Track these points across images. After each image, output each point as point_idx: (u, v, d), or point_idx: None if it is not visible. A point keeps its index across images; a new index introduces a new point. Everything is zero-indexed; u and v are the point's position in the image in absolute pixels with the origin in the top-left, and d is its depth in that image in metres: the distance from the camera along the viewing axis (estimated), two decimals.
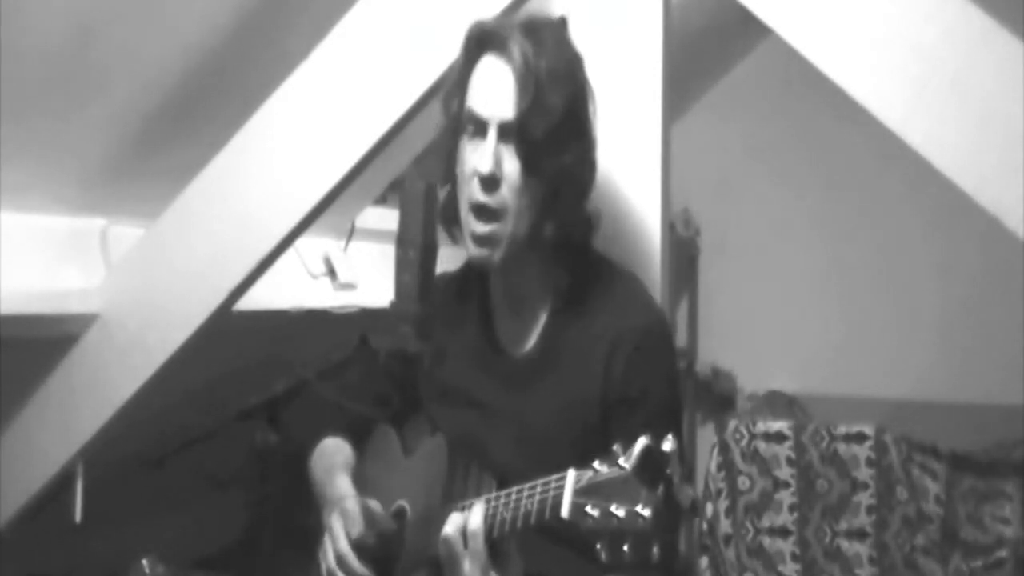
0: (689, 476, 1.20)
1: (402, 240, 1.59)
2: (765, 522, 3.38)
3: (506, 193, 1.44)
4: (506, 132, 1.43)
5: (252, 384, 1.70)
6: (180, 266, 1.92)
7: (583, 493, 1.19)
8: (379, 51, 1.80)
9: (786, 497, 3.38)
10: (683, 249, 4.07)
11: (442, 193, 1.57)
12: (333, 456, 1.68)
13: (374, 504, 1.52)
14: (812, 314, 4.07)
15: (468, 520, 1.35)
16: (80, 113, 1.79)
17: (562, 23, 1.50)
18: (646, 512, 1.13)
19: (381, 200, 2.91)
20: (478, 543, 1.33)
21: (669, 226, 1.86)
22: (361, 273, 2.77)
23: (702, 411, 4.10)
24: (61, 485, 2.03)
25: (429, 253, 1.60)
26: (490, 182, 1.43)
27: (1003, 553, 3.24)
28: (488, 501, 1.35)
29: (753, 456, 3.40)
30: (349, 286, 2.73)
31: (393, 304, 1.58)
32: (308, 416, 1.71)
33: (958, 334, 3.85)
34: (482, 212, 1.45)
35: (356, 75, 1.82)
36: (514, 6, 1.71)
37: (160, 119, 1.90)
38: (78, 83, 1.72)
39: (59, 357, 1.97)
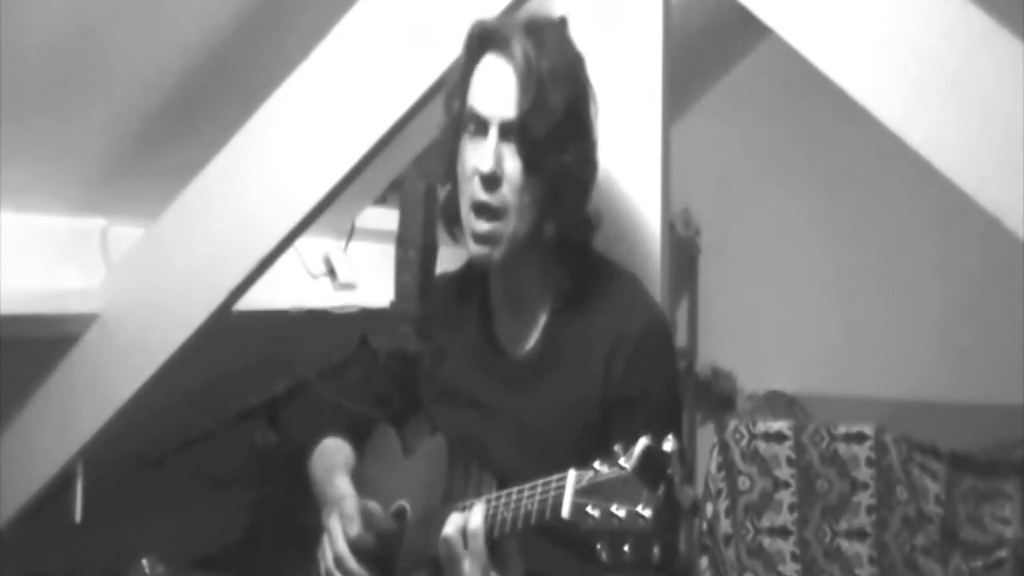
0: (689, 476, 1.20)
1: (402, 240, 1.59)
2: (765, 522, 3.38)
3: (507, 192, 1.44)
4: (507, 131, 1.43)
5: (252, 384, 1.70)
6: (180, 266, 1.92)
7: (584, 493, 1.19)
8: (379, 51, 1.80)
9: (786, 497, 3.38)
10: (683, 249, 4.07)
11: (443, 192, 1.57)
12: (333, 456, 1.68)
13: (373, 505, 1.52)
14: (812, 314, 4.07)
15: (468, 520, 1.35)
16: (80, 113, 1.79)
17: (563, 23, 1.50)
18: (647, 512, 1.13)
19: (381, 200, 2.91)
20: (478, 543, 1.33)
21: (669, 226, 1.85)
22: (361, 273, 2.77)
23: (702, 411, 4.10)
24: (61, 485, 2.03)
25: (429, 253, 1.60)
26: (491, 181, 1.43)
27: (1003, 553, 3.24)
28: (488, 501, 1.35)
29: (753, 456, 3.40)
30: (349, 286, 2.73)
31: (393, 304, 1.58)
32: (308, 416, 1.71)
33: (958, 334, 3.85)
34: (483, 211, 1.45)
35: (356, 75, 1.81)
36: (514, 6, 1.71)
37: (160, 119, 1.90)
38: (78, 83, 1.72)
39: (59, 357, 1.97)
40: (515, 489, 1.32)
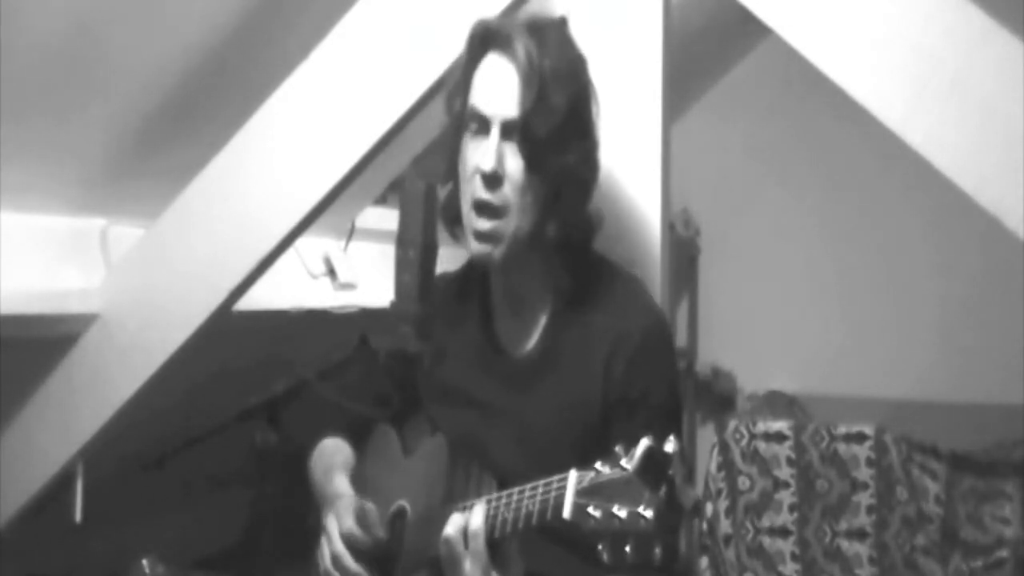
0: (689, 476, 1.20)
1: (402, 240, 1.59)
2: (765, 522, 3.38)
3: (508, 191, 1.44)
4: (509, 130, 1.43)
5: (252, 384, 1.71)
6: (180, 266, 1.92)
7: (585, 494, 1.18)
8: (379, 51, 1.80)
9: (786, 497, 3.38)
10: (683, 249, 4.07)
11: (444, 191, 1.57)
12: (332, 456, 1.68)
13: (369, 505, 1.52)
14: (812, 314, 4.07)
15: (469, 520, 1.35)
16: (80, 113, 1.79)
17: (565, 23, 1.50)
18: (648, 513, 1.13)
19: (381, 200, 2.91)
20: (479, 543, 1.33)
21: (669, 226, 1.85)
22: (361, 273, 2.77)
23: (702, 411, 4.10)
24: (61, 485, 2.03)
25: (429, 253, 1.60)
26: (492, 179, 1.43)
27: (1003, 553, 3.24)
28: (489, 501, 1.35)
29: (753, 456, 3.40)
30: (349, 286, 2.73)
31: (393, 304, 1.58)
32: (308, 416, 1.71)
33: (958, 334, 3.86)
34: (484, 209, 1.45)
35: (356, 75, 1.81)
36: (515, 6, 1.71)
37: (160, 119, 1.90)
38: (78, 83, 1.72)
39: (59, 357, 1.97)
40: (516, 489, 1.32)
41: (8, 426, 2.01)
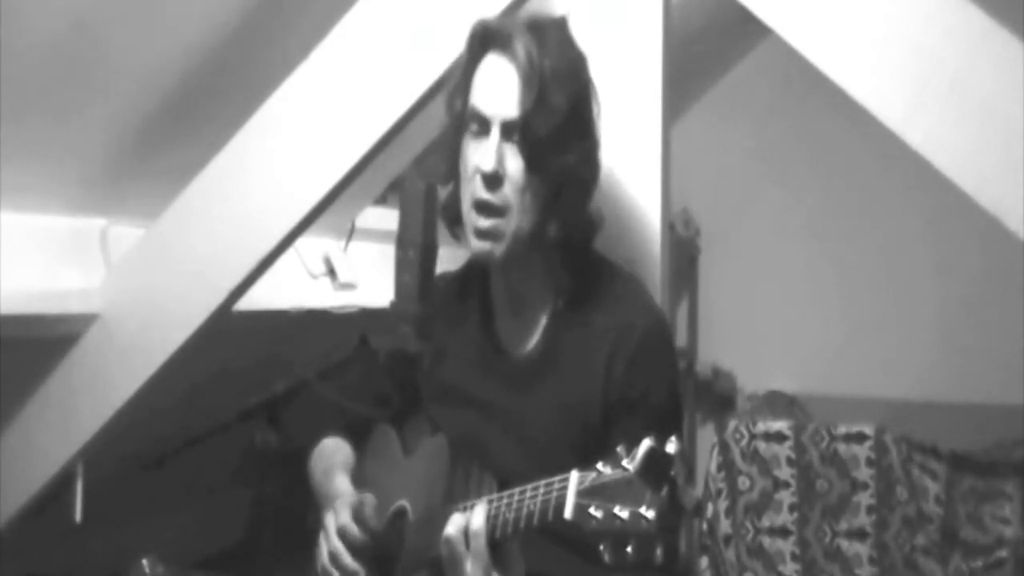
0: (689, 477, 1.20)
1: (402, 240, 1.59)
2: (765, 522, 3.38)
3: (508, 191, 1.44)
4: (509, 130, 1.43)
5: (252, 384, 1.71)
6: (180, 266, 1.92)
7: (586, 494, 1.18)
8: (379, 51, 1.80)
9: (786, 497, 3.38)
10: (683, 249, 4.07)
11: (445, 191, 1.56)
12: (332, 456, 1.68)
13: (368, 496, 1.52)
14: (812, 314, 4.07)
15: (470, 520, 1.34)
16: (80, 113, 1.79)
17: (565, 22, 1.50)
18: (650, 514, 1.13)
19: (381, 200, 2.91)
20: (480, 543, 1.33)
21: (669, 226, 1.85)
22: (361, 273, 2.77)
23: (702, 411, 4.10)
24: (61, 485, 2.03)
25: (429, 253, 1.60)
26: (493, 180, 1.43)
27: (1003, 553, 3.24)
28: (490, 501, 1.35)
29: (753, 456, 3.40)
30: (349, 286, 2.73)
31: (393, 304, 1.59)
32: (308, 416, 1.71)
33: (958, 334, 3.86)
34: (484, 209, 1.45)
35: (356, 75, 1.81)
36: (515, 6, 1.71)
37: (160, 119, 1.90)
38: (78, 83, 1.72)
39: (59, 357, 1.97)
40: (517, 490, 1.32)
41: (8, 426, 2.01)
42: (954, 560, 3.26)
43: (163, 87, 1.85)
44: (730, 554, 3.37)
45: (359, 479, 1.62)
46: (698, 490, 3.39)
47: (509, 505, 1.32)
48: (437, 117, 1.56)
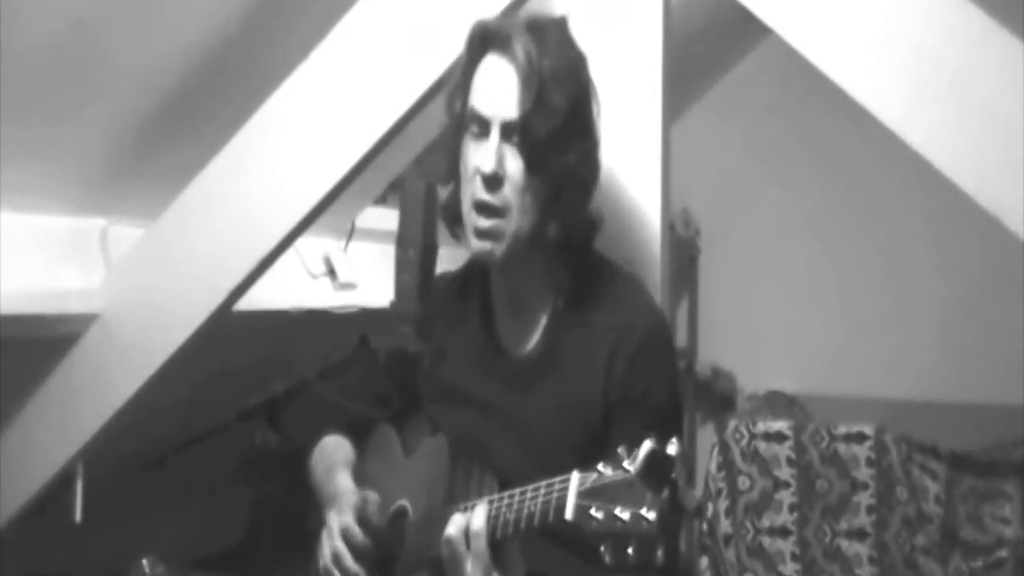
0: (690, 477, 1.20)
1: (402, 240, 1.59)
2: (765, 522, 3.38)
3: (509, 192, 1.44)
4: (509, 131, 1.43)
5: (252, 384, 1.71)
6: (180, 266, 1.92)
7: (587, 495, 1.18)
8: (379, 51, 1.80)
9: (786, 497, 3.38)
10: (683, 249, 4.07)
11: (445, 192, 1.56)
12: (334, 454, 1.68)
13: (372, 495, 1.52)
14: (812, 314, 4.07)
15: (471, 521, 1.34)
16: (80, 113, 1.79)
17: (565, 22, 1.50)
18: (651, 515, 1.13)
19: (381, 200, 2.91)
20: (481, 544, 1.33)
21: (669, 226, 1.85)
22: (361, 273, 2.77)
23: (702, 411, 4.10)
24: (61, 485, 2.03)
25: (429, 253, 1.60)
26: (493, 181, 1.43)
27: (1003, 553, 3.24)
28: (491, 502, 1.35)
29: (753, 456, 3.40)
30: (349, 286, 2.73)
31: (393, 304, 1.59)
32: (308, 416, 1.71)
33: (958, 334, 3.86)
34: (484, 209, 1.45)
35: (356, 75, 1.81)
36: (515, 6, 1.71)
37: (160, 119, 1.90)
38: (78, 83, 1.72)
39: (59, 357, 1.97)
40: (518, 490, 1.32)
41: (8, 426, 2.01)
42: (954, 560, 3.26)
43: (163, 87, 1.85)
44: (730, 554, 3.37)
45: (360, 479, 1.62)
46: (698, 490, 3.39)
47: (510, 506, 1.32)
48: (437, 117, 1.56)
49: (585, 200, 1.52)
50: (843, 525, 3.33)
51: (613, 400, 1.45)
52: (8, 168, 1.72)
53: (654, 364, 1.48)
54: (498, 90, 1.44)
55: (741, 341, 4.11)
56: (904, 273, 3.95)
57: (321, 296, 2.63)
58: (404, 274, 1.58)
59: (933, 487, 3.31)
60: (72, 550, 2.18)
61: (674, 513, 1.15)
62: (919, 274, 3.93)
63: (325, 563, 1.51)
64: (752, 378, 4.07)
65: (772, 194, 4.10)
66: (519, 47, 1.42)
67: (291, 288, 2.50)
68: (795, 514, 3.36)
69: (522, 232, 1.46)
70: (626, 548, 1.15)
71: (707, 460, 3.46)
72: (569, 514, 1.19)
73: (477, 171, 1.44)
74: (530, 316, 1.55)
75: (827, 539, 3.34)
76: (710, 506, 3.38)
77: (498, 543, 1.34)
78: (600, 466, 1.19)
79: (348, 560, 1.48)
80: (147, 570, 1.93)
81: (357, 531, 1.49)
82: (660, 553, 1.14)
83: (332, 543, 1.50)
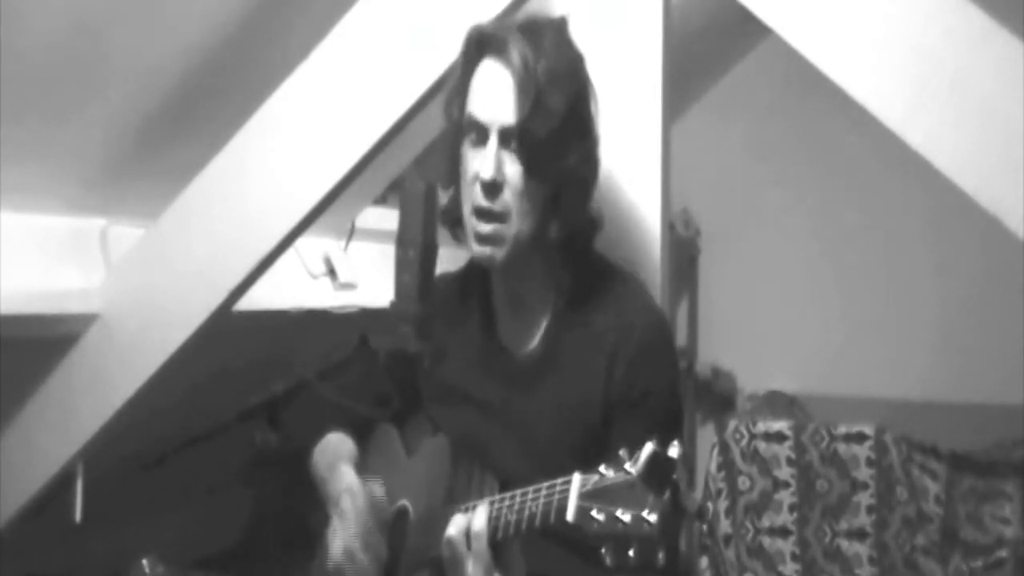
0: (690, 477, 1.20)
1: (402, 240, 1.59)
2: (765, 522, 3.38)
3: (508, 197, 1.44)
4: (507, 137, 1.43)
5: (252, 384, 1.70)
6: (180, 266, 1.92)
7: (589, 497, 1.18)
8: (379, 51, 1.80)
9: (786, 497, 3.38)
10: (683, 249, 4.07)
11: (445, 195, 1.56)
12: (337, 450, 1.68)
13: (377, 487, 1.51)
14: (812, 314, 4.07)
15: (472, 521, 1.35)
16: (80, 113, 1.79)
17: (563, 22, 1.50)
18: (652, 518, 1.13)
19: (381, 200, 2.91)
20: (482, 544, 1.33)
21: (669, 226, 1.85)
22: (361, 273, 2.77)
23: (702, 411, 4.10)
24: (61, 485, 2.03)
25: (429, 253, 1.59)
26: (492, 188, 1.43)
27: (1003, 553, 3.24)
28: (492, 503, 1.35)
29: (753, 456, 3.40)
30: (349, 286, 2.73)
31: (393, 304, 1.58)
32: (308, 416, 1.70)
33: (958, 334, 3.86)
34: (485, 215, 1.45)
35: (356, 75, 1.81)
36: (514, 6, 1.71)
37: (160, 119, 1.90)
38: (78, 83, 1.72)
39: (59, 357, 1.97)
40: (519, 491, 1.32)
41: (8, 426, 2.01)
42: (954, 560, 3.26)
43: (163, 87, 1.85)
44: (730, 554, 3.37)
45: (362, 476, 1.62)
46: (698, 490, 3.39)
47: (511, 506, 1.32)
48: (437, 117, 1.56)
49: (585, 200, 1.52)
50: (843, 525, 3.33)
51: (614, 400, 1.45)
52: (8, 168, 1.72)
53: (654, 364, 1.48)
54: (495, 96, 1.43)
55: (741, 341, 4.11)
56: (904, 273, 3.95)
57: (321, 296, 2.63)
58: (404, 274, 1.57)
59: (933, 487, 3.32)
60: (72, 550, 2.18)
61: (675, 515, 1.15)
62: (919, 274, 3.93)
63: (335, 557, 1.50)
64: (752, 378, 4.07)
65: (772, 194, 4.10)
66: (515, 51, 1.41)
67: (291, 288, 2.50)
68: (795, 514, 3.36)
69: (523, 235, 1.46)
70: (627, 550, 1.15)
71: (707, 460, 3.46)
72: (570, 515, 1.19)
73: (476, 177, 1.44)
74: (530, 316, 1.55)
75: (827, 539, 3.34)
76: (710, 506, 3.38)
77: (499, 544, 1.34)
78: (602, 468, 1.19)
79: (361, 555, 1.47)
80: (147, 570, 1.93)
81: (379, 542, 1.48)
82: (661, 555, 1.15)
83: (347, 541, 1.49)
